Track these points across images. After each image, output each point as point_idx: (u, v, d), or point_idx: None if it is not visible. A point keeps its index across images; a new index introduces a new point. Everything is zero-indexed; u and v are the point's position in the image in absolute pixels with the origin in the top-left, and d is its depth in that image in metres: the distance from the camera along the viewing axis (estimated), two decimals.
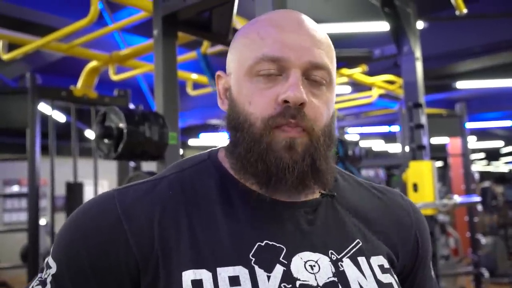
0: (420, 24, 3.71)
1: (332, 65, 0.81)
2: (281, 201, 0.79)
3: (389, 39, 3.23)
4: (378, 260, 0.81)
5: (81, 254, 0.73)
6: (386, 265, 0.81)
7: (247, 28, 0.83)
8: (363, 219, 0.85)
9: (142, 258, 0.72)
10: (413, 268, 0.90)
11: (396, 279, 0.82)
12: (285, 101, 0.74)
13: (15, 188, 10.46)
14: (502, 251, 7.19)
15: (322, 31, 0.82)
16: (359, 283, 0.75)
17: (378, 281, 0.77)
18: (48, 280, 0.75)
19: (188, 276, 0.70)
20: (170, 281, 0.70)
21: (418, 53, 2.95)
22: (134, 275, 0.72)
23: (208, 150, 0.89)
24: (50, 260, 0.76)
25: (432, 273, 0.97)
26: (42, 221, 4.38)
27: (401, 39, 2.95)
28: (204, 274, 0.70)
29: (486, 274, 5.32)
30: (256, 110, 0.76)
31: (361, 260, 0.79)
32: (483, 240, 6.32)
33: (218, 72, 0.87)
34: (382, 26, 4.15)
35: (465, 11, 2.73)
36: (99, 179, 4.13)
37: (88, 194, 4.25)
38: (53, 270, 0.75)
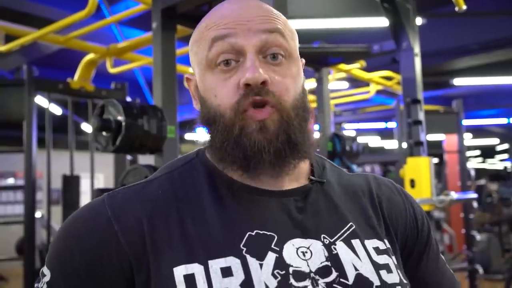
0: (419, 20, 3.71)
1: (289, 37, 0.81)
2: (269, 190, 0.79)
3: (388, 35, 3.23)
4: (373, 243, 0.80)
5: (74, 258, 0.73)
6: (382, 247, 0.81)
7: (197, 27, 0.85)
8: (354, 201, 0.86)
9: (135, 257, 0.72)
10: (414, 248, 0.89)
11: (395, 260, 0.81)
12: (247, 85, 0.75)
13: (11, 181, 10.44)
14: (496, 248, 7.23)
15: (272, 9, 0.82)
16: (353, 265, 0.75)
17: (373, 262, 0.77)
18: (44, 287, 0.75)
19: (180, 271, 0.70)
20: (162, 277, 0.70)
21: (417, 49, 2.95)
22: (128, 275, 0.72)
23: (196, 149, 0.90)
24: (44, 269, 0.77)
25: (446, 267, 0.95)
26: (38, 214, 4.36)
27: (400, 34, 2.94)
28: (195, 268, 0.70)
29: (480, 270, 5.35)
30: (222, 101, 0.77)
31: (355, 242, 0.78)
32: (478, 236, 6.35)
33: (186, 75, 0.89)
34: (381, 21, 4.15)
35: (464, 7, 2.73)
36: (96, 172, 4.12)
37: (85, 187, 4.25)
38: (47, 278, 0.75)
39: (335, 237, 0.78)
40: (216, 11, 0.82)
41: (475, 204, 6.10)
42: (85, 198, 4.97)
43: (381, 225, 0.85)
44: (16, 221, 4.35)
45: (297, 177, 0.83)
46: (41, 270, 0.78)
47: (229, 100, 0.77)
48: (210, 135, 0.81)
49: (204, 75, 0.80)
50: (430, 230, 0.94)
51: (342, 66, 4.66)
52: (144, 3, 3.05)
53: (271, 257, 0.72)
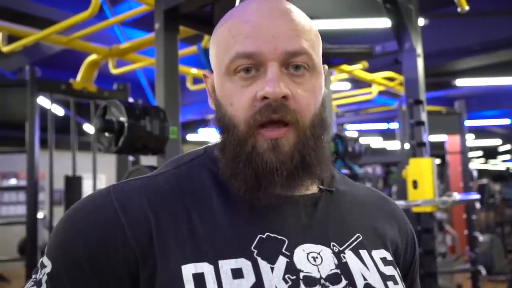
0: (421, 21, 3.70)
1: (314, 48, 0.78)
2: (280, 195, 0.78)
3: (390, 36, 3.23)
4: (380, 253, 0.80)
5: (78, 249, 0.71)
6: (389, 258, 0.81)
7: (220, 25, 0.81)
8: (362, 212, 0.85)
9: (141, 252, 0.71)
10: (410, 268, 0.91)
11: (399, 272, 0.81)
12: (265, 97, 0.72)
13: (13, 181, 10.45)
14: (499, 249, 7.21)
15: (300, 14, 0.79)
16: (362, 275, 0.75)
17: (381, 273, 0.77)
18: (44, 280, 0.72)
19: (188, 269, 0.69)
20: (169, 274, 0.69)
21: (419, 49, 2.94)
22: (133, 269, 0.71)
23: (204, 145, 0.88)
24: (44, 259, 0.74)
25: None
26: (40, 215, 4.37)
27: (403, 35, 2.94)
28: (205, 267, 0.69)
29: (483, 271, 5.34)
30: (237, 112, 0.75)
31: (363, 252, 0.78)
32: (481, 237, 6.34)
33: (204, 71, 0.86)
34: (383, 22, 4.14)
35: (467, 8, 2.72)
36: (98, 173, 4.12)
37: (87, 187, 4.25)
38: (48, 269, 0.72)
39: (344, 246, 0.77)
40: (241, 16, 0.78)
41: (477, 205, 6.09)
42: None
43: (386, 238, 0.85)
44: (18, 221, 4.35)
45: (307, 185, 0.81)
46: (40, 261, 0.75)
47: (245, 112, 0.74)
48: (222, 142, 0.79)
49: (222, 80, 0.78)
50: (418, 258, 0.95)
51: (344, 67, 4.66)
52: (146, 4, 3.05)
53: (282, 261, 0.71)
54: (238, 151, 0.75)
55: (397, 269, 0.81)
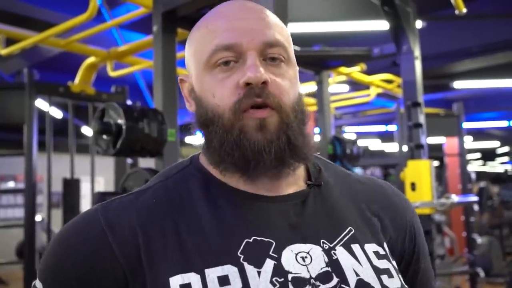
0: (419, 23, 3.71)
1: (288, 43, 0.81)
2: (266, 196, 0.78)
3: (388, 38, 3.23)
4: (373, 247, 0.79)
5: (67, 269, 0.73)
6: (382, 252, 0.80)
7: (197, 26, 0.84)
8: (354, 204, 0.84)
9: (129, 268, 0.71)
10: (413, 256, 0.89)
11: (395, 264, 0.80)
12: (247, 84, 0.74)
13: (11, 184, 10.43)
14: (497, 251, 7.21)
15: (272, 14, 0.83)
16: (354, 271, 0.74)
17: (374, 267, 0.76)
18: None
19: (176, 281, 0.69)
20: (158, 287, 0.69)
21: (417, 52, 2.95)
22: (122, 285, 0.71)
23: (190, 155, 0.89)
24: (37, 282, 0.76)
25: (430, 265, 0.95)
26: (38, 217, 4.36)
27: (401, 38, 2.95)
28: (192, 277, 0.69)
29: (481, 273, 5.34)
30: (221, 101, 0.76)
31: (355, 247, 0.77)
32: (479, 240, 6.34)
33: (180, 76, 0.87)
34: (381, 25, 4.15)
35: (464, 10, 2.73)
36: (96, 176, 4.12)
37: (85, 190, 4.24)
38: None
39: (335, 242, 0.76)
40: (218, 14, 0.81)
41: (476, 207, 6.10)
42: (85, 202, 4.96)
43: (379, 230, 0.84)
44: (16, 224, 4.35)
45: (294, 181, 0.82)
46: (33, 283, 0.77)
47: (228, 100, 0.76)
48: (207, 137, 0.80)
49: (202, 75, 0.79)
50: (425, 244, 0.94)
51: (343, 69, 4.66)
52: (144, 7, 3.05)
53: (269, 264, 0.71)
54: (224, 137, 0.75)
55: (392, 262, 0.80)
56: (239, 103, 0.75)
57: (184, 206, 0.77)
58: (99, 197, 2.25)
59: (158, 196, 0.79)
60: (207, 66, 0.78)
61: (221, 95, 0.76)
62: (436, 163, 8.71)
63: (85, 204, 5.06)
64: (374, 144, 13.07)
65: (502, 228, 8.43)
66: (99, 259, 0.72)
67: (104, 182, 9.95)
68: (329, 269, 0.73)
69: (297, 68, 0.85)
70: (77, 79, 3.96)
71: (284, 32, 0.82)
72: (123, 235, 0.73)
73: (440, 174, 7.75)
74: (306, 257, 0.73)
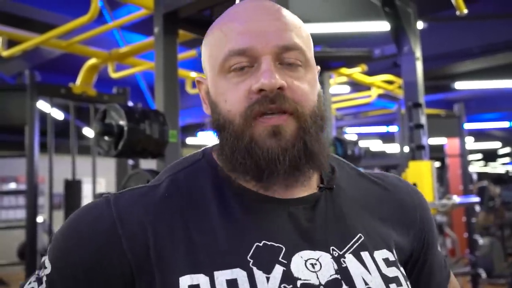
0: (420, 24, 3.71)
1: (306, 45, 0.78)
2: (278, 199, 0.77)
3: (389, 39, 3.24)
4: (382, 254, 0.78)
5: (75, 258, 0.72)
6: (391, 258, 0.79)
7: (212, 27, 0.82)
8: (364, 209, 0.83)
9: (137, 264, 0.71)
10: (421, 251, 0.88)
11: (403, 271, 0.80)
12: (261, 90, 0.72)
13: (12, 185, 10.44)
14: (499, 252, 7.20)
15: (290, 14, 0.79)
16: (363, 279, 0.73)
17: (383, 276, 0.75)
18: (44, 279, 0.74)
19: (185, 281, 0.68)
20: (167, 287, 0.69)
21: (418, 53, 2.95)
22: (128, 281, 0.71)
23: (202, 148, 0.86)
24: (46, 260, 0.76)
25: (439, 249, 0.93)
26: (40, 219, 4.36)
27: (402, 39, 2.95)
28: (201, 279, 0.68)
29: (483, 274, 5.33)
30: (232, 107, 0.74)
31: (364, 254, 0.76)
32: (480, 240, 6.33)
33: (197, 78, 0.86)
34: (382, 26, 4.15)
35: (465, 11, 2.73)
36: (98, 177, 4.12)
37: (86, 191, 4.25)
38: (48, 270, 0.74)
39: (344, 250, 0.75)
40: (232, 15, 0.79)
41: (477, 208, 6.09)
42: (86, 203, 4.97)
43: (389, 236, 0.82)
44: (17, 225, 4.35)
45: (307, 184, 0.80)
46: (43, 260, 0.77)
47: (239, 105, 0.73)
48: (219, 142, 0.78)
49: (217, 79, 0.77)
50: (435, 235, 0.92)
51: (344, 70, 4.67)
52: (146, 8, 3.05)
53: (278, 270, 0.70)
54: (235, 145, 0.73)
55: (401, 268, 0.79)
56: (251, 109, 0.72)
57: (195, 204, 0.76)
58: None
59: (169, 191, 0.78)
60: (221, 70, 0.76)
61: (233, 100, 0.74)
62: (437, 164, 8.70)
63: None
64: (375, 145, 13.05)
65: (504, 229, 8.41)
66: (107, 252, 0.71)
67: (106, 183, 9.96)
68: (338, 276, 0.72)
69: (318, 69, 0.82)
70: (78, 81, 3.97)
71: (302, 33, 0.79)
72: (133, 229, 0.72)
73: (441, 175, 7.74)
74: (315, 263, 0.72)
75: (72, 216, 0.78)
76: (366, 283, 0.73)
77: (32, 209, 3.63)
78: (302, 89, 0.75)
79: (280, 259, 0.71)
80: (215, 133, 0.79)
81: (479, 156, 18.22)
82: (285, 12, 0.79)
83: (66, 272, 0.72)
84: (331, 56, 3.76)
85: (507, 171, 20.88)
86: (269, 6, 0.78)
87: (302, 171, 0.75)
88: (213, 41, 0.79)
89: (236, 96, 0.74)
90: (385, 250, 0.79)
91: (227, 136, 0.75)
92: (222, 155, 0.77)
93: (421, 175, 2.67)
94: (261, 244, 0.72)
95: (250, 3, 0.79)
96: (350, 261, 0.74)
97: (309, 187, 0.80)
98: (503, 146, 15.90)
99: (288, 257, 0.72)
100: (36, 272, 0.77)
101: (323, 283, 0.70)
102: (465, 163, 5.71)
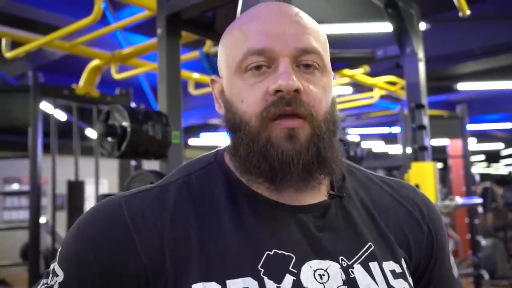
0: (422, 26, 3.71)
1: (324, 49, 0.79)
2: (289, 205, 0.77)
3: (392, 40, 3.24)
4: (390, 265, 0.78)
5: (90, 263, 0.72)
6: (399, 270, 0.79)
7: (230, 27, 0.82)
8: (373, 218, 0.83)
9: (152, 270, 0.71)
10: (429, 265, 0.87)
11: (411, 283, 0.79)
12: (277, 91, 0.72)
13: (15, 186, 10.46)
14: (501, 253, 7.18)
15: (308, 18, 0.80)
16: None
17: (390, 287, 0.75)
18: (56, 287, 0.74)
19: None
20: None
21: (421, 54, 2.95)
22: (143, 286, 0.71)
23: (215, 150, 0.86)
24: (56, 267, 0.75)
25: (454, 271, 0.92)
26: (43, 219, 4.37)
27: (404, 40, 2.95)
28: (213, 287, 0.69)
29: (485, 276, 5.32)
30: (249, 108, 0.74)
31: (373, 265, 0.76)
32: (483, 242, 6.32)
33: (212, 77, 0.85)
34: (385, 27, 4.15)
35: (468, 12, 2.73)
36: (100, 178, 4.13)
37: (89, 192, 4.25)
38: (60, 278, 0.74)
39: (353, 260, 0.75)
40: (252, 16, 0.79)
41: (480, 209, 6.08)
42: (89, 204, 4.97)
43: (397, 246, 0.82)
44: (21, 226, 4.37)
45: (317, 190, 0.80)
46: (52, 267, 0.76)
47: (256, 106, 0.73)
48: (234, 143, 0.78)
49: (233, 79, 0.77)
50: (446, 250, 0.91)
51: (346, 71, 4.67)
52: (149, 10, 3.06)
53: (288, 280, 0.70)
54: (251, 147, 0.73)
55: (409, 279, 0.79)
56: (267, 111, 0.72)
57: (207, 210, 0.76)
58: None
59: (182, 194, 0.77)
60: (238, 69, 0.76)
61: (250, 101, 0.74)
62: (440, 165, 8.69)
63: (90, 206, 5.07)
64: (378, 146, 13.05)
65: (507, 230, 8.39)
66: (123, 257, 0.71)
67: (108, 184, 9.97)
68: (345, 287, 0.72)
69: (332, 75, 0.82)
70: (81, 82, 3.98)
71: (320, 37, 0.79)
72: (148, 235, 0.72)
73: (444, 176, 7.73)
74: (323, 274, 0.72)
75: (81, 220, 0.77)
76: None
77: (35, 210, 3.64)
78: (316, 93, 0.75)
79: (290, 268, 0.71)
80: (229, 133, 0.79)
81: (482, 157, 18.19)
82: (304, 15, 0.79)
83: (82, 276, 0.72)
84: (334, 57, 3.76)
85: (510, 172, 20.87)
86: (288, 9, 0.79)
87: (313, 177, 0.75)
88: (231, 40, 0.79)
89: (252, 97, 0.74)
90: (392, 262, 0.79)
91: (243, 137, 0.75)
92: (236, 156, 0.77)
93: (423, 176, 2.67)
94: (271, 253, 0.72)
95: (270, 5, 0.79)
96: (358, 271, 0.74)
97: (319, 193, 0.81)
98: (506, 147, 15.86)
99: (298, 266, 0.72)
100: (44, 281, 0.76)
101: None
102: (467, 164, 5.70)
